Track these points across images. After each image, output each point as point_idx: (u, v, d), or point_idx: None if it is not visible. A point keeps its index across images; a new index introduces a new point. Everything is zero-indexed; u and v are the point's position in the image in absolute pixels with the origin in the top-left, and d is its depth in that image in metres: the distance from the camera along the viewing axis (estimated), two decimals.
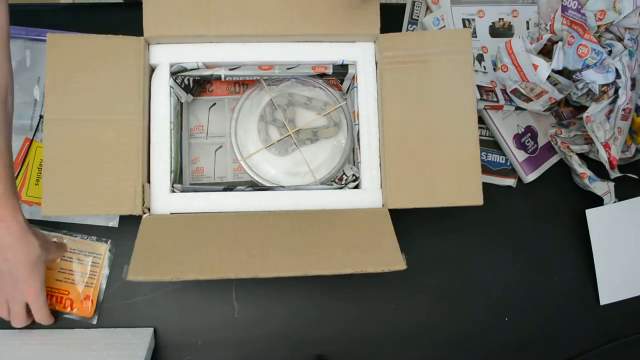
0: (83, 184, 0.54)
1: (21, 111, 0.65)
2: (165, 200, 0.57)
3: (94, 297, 0.62)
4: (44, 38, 0.65)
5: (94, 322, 0.62)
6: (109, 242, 0.63)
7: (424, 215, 0.62)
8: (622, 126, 0.62)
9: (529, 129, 0.70)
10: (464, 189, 0.58)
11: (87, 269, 0.62)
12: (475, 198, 0.58)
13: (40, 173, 0.64)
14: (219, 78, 0.62)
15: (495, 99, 0.68)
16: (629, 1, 0.59)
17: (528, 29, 0.72)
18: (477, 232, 0.69)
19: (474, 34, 0.71)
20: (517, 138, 0.69)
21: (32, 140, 0.64)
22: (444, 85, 0.58)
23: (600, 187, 0.67)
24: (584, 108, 0.64)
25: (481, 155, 0.70)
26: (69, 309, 0.62)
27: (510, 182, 0.70)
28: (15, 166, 0.64)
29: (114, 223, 0.64)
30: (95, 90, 0.55)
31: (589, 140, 0.67)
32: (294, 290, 0.66)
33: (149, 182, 0.57)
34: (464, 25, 0.71)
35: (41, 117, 0.65)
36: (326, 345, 0.65)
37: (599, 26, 0.61)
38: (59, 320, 0.62)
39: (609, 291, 0.68)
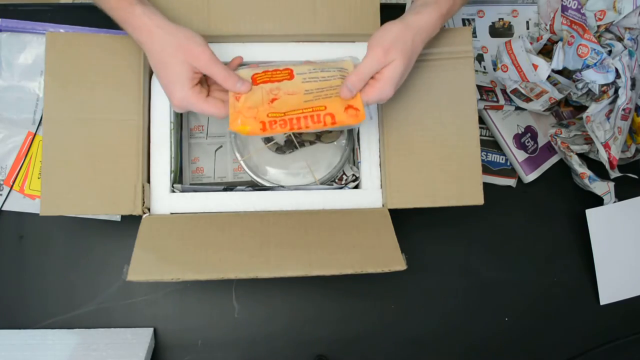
0: (83, 184, 0.54)
1: (24, 105, 0.65)
2: (165, 200, 0.57)
3: None
4: (45, 32, 0.64)
5: None
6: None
7: (424, 215, 0.62)
8: (622, 126, 0.62)
9: (529, 129, 0.70)
10: (464, 188, 0.58)
11: None
12: (475, 198, 0.58)
13: None
14: None
15: (495, 99, 0.68)
16: (629, 1, 0.59)
17: (528, 29, 0.72)
18: (477, 232, 0.69)
19: (474, 34, 0.71)
20: (517, 138, 0.69)
21: (35, 134, 0.64)
22: (444, 85, 0.58)
23: (600, 187, 0.67)
24: (584, 108, 0.64)
25: (481, 155, 0.70)
26: None
27: (510, 182, 0.70)
28: (18, 160, 0.64)
29: (116, 217, 0.64)
30: (95, 90, 0.55)
31: (589, 140, 0.67)
32: (294, 290, 0.66)
33: (149, 182, 0.57)
34: (464, 25, 0.71)
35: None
36: (326, 345, 0.65)
37: (599, 26, 0.61)
38: None
39: (609, 291, 0.68)
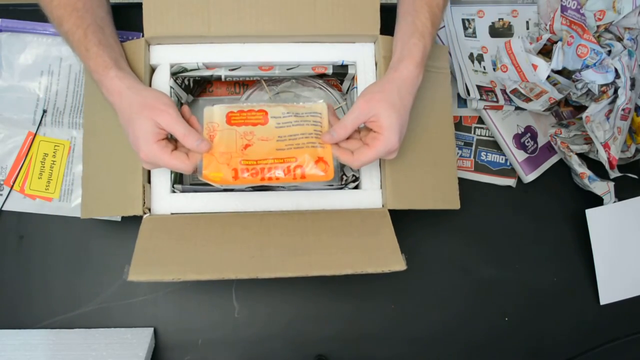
0: (106, 187, 0.56)
1: (24, 105, 0.65)
2: (166, 200, 0.57)
3: None
4: (45, 32, 0.65)
5: None
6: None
7: (424, 215, 0.62)
8: (621, 126, 0.62)
9: (528, 129, 0.70)
10: (445, 193, 0.59)
11: None
12: (453, 203, 0.59)
13: (44, 167, 0.64)
14: (219, 78, 0.62)
15: (495, 99, 0.68)
16: (629, 1, 0.59)
17: (528, 29, 0.72)
18: (477, 232, 0.69)
19: (474, 34, 0.71)
20: (517, 138, 0.69)
21: (35, 134, 0.64)
22: (426, 94, 0.60)
23: (600, 187, 0.67)
24: (583, 108, 0.64)
25: (481, 155, 0.70)
26: None
27: (510, 182, 0.70)
28: (18, 160, 0.64)
29: (117, 217, 0.64)
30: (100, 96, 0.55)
31: (588, 140, 0.67)
32: (294, 290, 0.66)
33: (149, 182, 0.57)
34: (464, 25, 0.71)
35: (44, 111, 0.65)
36: (326, 345, 0.65)
37: (598, 26, 0.61)
38: None
39: (609, 291, 0.68)
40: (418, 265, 0.66)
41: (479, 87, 0.68)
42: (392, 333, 0.66)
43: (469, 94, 0.67)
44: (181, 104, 0.64)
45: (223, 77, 0.61)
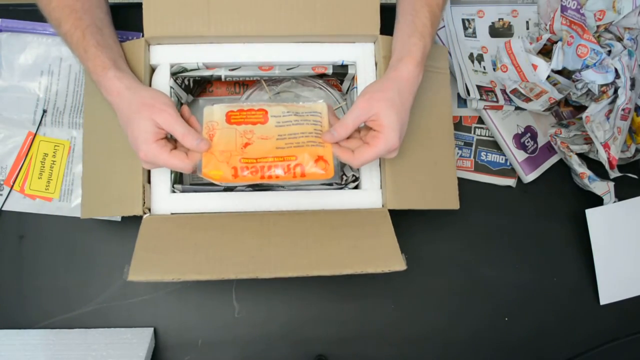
0: (106, 187, 0.56)
1: (24, 105, 0.65)
2: (166, 200, 0.57)
3: None
4: (45, 32, 0.65)
5: None
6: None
7: (424, 215, 0.62)
8: (621, 126, 0.62)
9: (528, 129, 0.70)
10: (444, 193, 0.59)
11: None
12: (452, 203, 0.59)
13: (44, 167, 0.64)
14: (219, 78, 0.62)
15: (495, 99, 0.68)
16: (629, 1, 0.59)
17: (528, 29, 0.72)
18: (477, 232, 0.69)
19: (474, 34, 0.71)
20: (517, 138, 0.69)
21: (35, 134, 0.64)
22: (426, 95, 0.59)
23: (600, 187, 0.67)
24: (583, 108, 0.64)
25: (481, 155, 0.70)
26: None
27: (510, 182, 0.70)
28: (18, 160, 0.64)
29: (117, 217, 0.64)
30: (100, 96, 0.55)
31: (588, 140, 0.67)
32: (294, 290, 0.66)
33: (149, 182, 0.57)
34: (464, 25, 0.71)
35: (44, 111, 0.65)
36: (326, 345, 0.65)
37: (598, 26, 0.61)
38: None
39: (609, 291, 0.68)
40: (418, 265, 0.66)
41: (479, 87, 0.68)
42: (392, 333, 0.66)
43: (469, 94, 0.67)
44: (181, 104, 0.64)
45: (223, 77, 0.61)
